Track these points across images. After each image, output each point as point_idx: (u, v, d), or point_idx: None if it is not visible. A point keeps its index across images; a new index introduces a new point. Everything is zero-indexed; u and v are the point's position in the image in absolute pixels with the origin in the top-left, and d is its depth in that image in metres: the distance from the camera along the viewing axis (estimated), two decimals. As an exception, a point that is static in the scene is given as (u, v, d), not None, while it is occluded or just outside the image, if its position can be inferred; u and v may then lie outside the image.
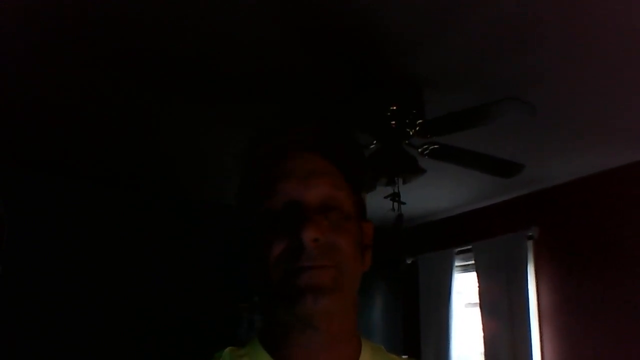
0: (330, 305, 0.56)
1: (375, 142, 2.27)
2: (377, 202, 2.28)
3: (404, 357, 0.79)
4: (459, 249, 3.93)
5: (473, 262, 3.76)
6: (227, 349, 0.64)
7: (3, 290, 2.86)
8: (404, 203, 2.47)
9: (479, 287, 3.67)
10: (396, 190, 2.38)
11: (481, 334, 3.59)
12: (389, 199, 2.37)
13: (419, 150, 2.33)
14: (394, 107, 2.16)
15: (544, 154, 2.90)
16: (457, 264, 3.97)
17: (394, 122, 2.16)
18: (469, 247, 3.82)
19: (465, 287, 4.04)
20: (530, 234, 3.39)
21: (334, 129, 0.64)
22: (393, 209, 2.41)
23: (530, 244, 3.40)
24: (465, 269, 3.97)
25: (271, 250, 0.57)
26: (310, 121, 0.64)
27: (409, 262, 4.41)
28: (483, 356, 3.55)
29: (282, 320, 0.59)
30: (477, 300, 3.68)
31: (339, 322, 0.59)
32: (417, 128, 2.18)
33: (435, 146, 2.30)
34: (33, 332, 3.11)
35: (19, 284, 3.06)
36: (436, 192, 3.72)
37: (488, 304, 3.57)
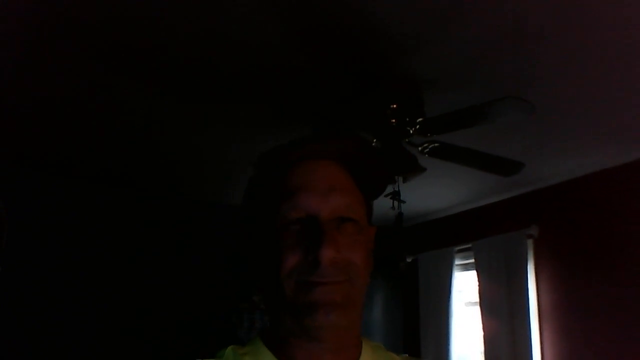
0: (339, 320, 0.57)
1: (375, 140, 2.27)
2: (377, 200, 2.26)
3: (404, 355, 0.79)
4: (459, 248, 3.94)
5: (473, 260, 3.76)
6: (229, 348, 0.65)
7: (3, 290, 2.86)
8: (403, 201, 2.48)
9: (479, 285, 3.67)
10: (396, 189, 2.38)
11: (481, 332, 3.59)
12: (389, 197, 2.37)
13: (419, 148, 2.33)
14: (394, 106, 2.16)
15: (543, 153, 2.90)
16: (457, 262, 3.98)
17: (394, 120, 2.17)
18: (469, 245, 3.82)
19: (465, 285, 4.04)
20: (531, 232, 3.39)
21: (356, 140, 0.64)
22: (393, 208, 2.42)
23: (530, 243, 3.40)
24: (465, 267, 3.97)
25: (285, 262, 0.58)
26: (334, 131, 0.65)
27: (408, 260, 4.42)
28: (483, 355, 3.55)
29: (289, 328, 0.60)
30: (477, 299, 3.68)
31: (346, 333, 0.61)
32: (417, 126, 2.18)
33: (436, 144, 2.30)
34: (33, 332, 3.11)
35: (19, 284, 3.06)
36: (436, 191, 3.73)
37: (488, 303, 3.57)
